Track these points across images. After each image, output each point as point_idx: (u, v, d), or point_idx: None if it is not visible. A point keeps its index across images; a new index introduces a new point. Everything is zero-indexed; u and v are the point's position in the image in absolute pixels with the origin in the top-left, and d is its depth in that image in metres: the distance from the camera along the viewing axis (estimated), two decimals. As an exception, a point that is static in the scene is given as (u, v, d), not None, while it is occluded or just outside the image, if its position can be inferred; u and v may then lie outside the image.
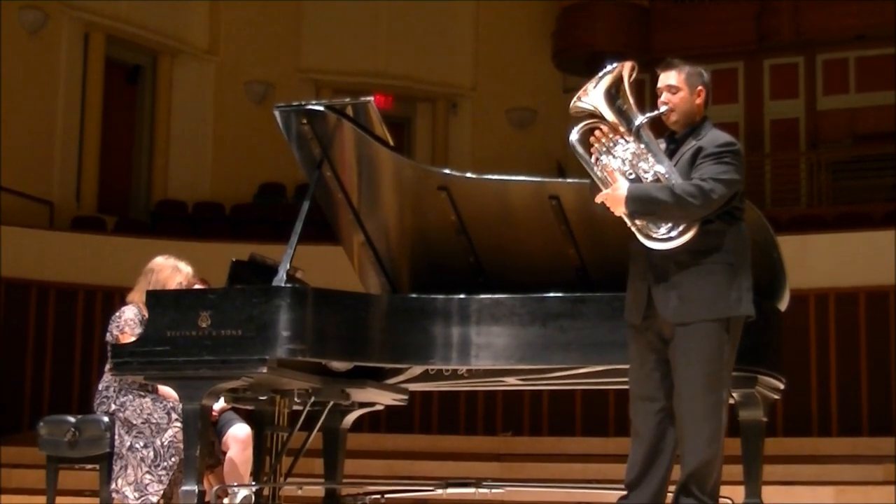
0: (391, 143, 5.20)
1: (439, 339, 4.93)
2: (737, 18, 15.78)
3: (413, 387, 5.54)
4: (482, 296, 4.97)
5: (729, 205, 4.32)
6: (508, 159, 14.84)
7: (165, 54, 14.71)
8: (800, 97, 15.97)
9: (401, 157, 5.30)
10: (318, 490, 5.91)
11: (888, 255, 11.21)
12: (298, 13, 15.60)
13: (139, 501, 5.37)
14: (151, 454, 5.41)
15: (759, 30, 15.76)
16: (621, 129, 4.32)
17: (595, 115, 4.33)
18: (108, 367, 5.45)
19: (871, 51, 15.56)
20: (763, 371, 4.89)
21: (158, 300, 4.99)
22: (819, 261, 11.52)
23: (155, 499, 5.36)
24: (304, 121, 5.14)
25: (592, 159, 4.35)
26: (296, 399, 5.32)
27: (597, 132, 4.33)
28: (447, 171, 5.26)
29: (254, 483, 5.39)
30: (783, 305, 5.15)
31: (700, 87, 4.44)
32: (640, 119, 4.33)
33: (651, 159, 4.31)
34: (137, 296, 5.65)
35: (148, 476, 5.39)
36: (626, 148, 4.32)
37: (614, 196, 4.28)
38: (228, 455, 5.65)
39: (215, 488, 5.31)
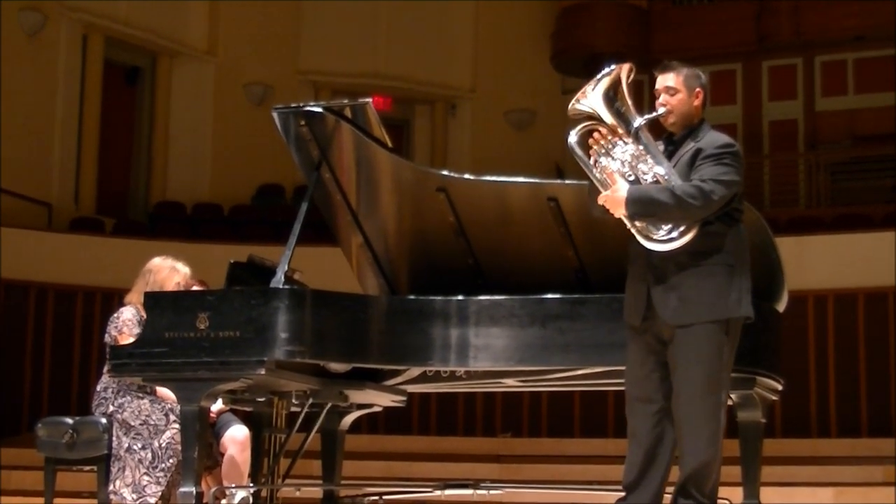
0: (389, 144, 5.19)
1: (438, 341, 4.92)
2: (736, 19, 15.78)
3: (411, 388, 5.54)
4: (481, 297, 4.97)
5: (728, 206, 4.32)
6: (507, 161, 14.84)
7: (164, 55, 14.71)
8: (798, 98, 15.97)
9: (399, 158, 5.30)
10: (316, 491, 5.91)
11: (887, 256, 11.22)
12: (297, 14, 15.60)
13: (137, 503, 5.36)
14: (149, 455, 5.41)
15: (758, 31, 15.76)
16: (620, 130, 4.32)
17: (594, 117, 4.33)
18: (106, 368, 5.45)
19: (869, 52, 15.56)
20: (762, 372, 4.89)
21: (157, 301, 4.98)
22: (818, 262, 11.52)
23: (153, 500, 5.35)
24: (303, 122, 5.13)
25: (591, 161, 4.35)
26: (294, 400, 5.32)
27: (595, 134, 4.33)
28: (446, 172, 5.25)
29: (252, 484, 5.39)
30: (782, 307, 5.15)
31: (698, 89, 4.44)
32: (638, 121, 4.32)
33: (650, 161, 4.31)
34: (136, 297, 5.64)
35: (146, 477, 5.38)
36: (625, 150, 4.32)
37: (614, 198, 4.28)
38: (226, 456, 5.65)
39: (213, 490, 5.30)
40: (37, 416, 9.24)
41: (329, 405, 5.42)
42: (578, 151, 4.36)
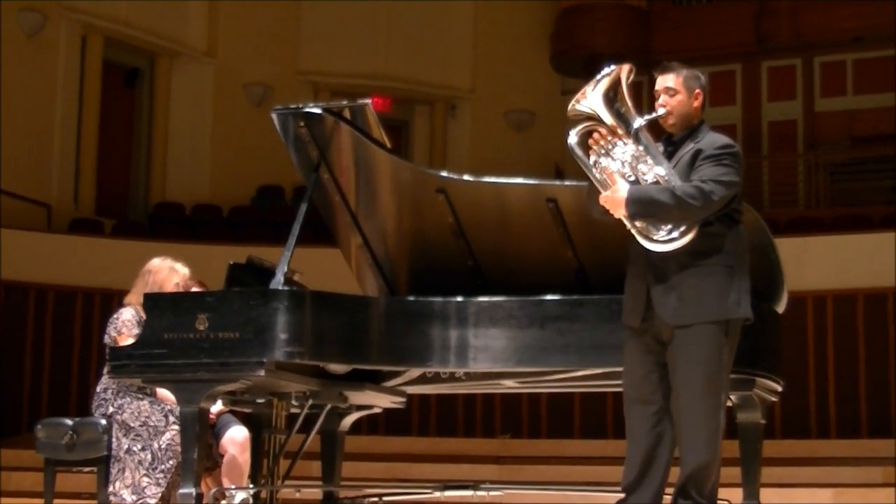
0: (389, 145, 5.19)
1: (437, 342, 4.92)
2: (735, 20, 15.80)
3: (411, 389, 5.54)
4: (480, 298, 4.97)
5: (728, 207, 4.33)
6: (507, 161, 14.85)
7: (164, 56, 14.71)
8: (798, 99, 15.98)
9: (398, 159, 5.30)
10: (315, 493, 5.91)
11: (887, 257, 11.22)
12: (297, 15, 15.60)
13: (137, 504, 5.37)
14: (149, 457, 5.41)
15: (757, 31, 15.77)
16: (620, 131, 4.31)
17: (593, 117, 4.33)
18: (106, 369, 5.44)
19: (869, 53, 15.57)
20: (761, 373, 4.89)
21: (156, 303, 4.98)
22: (817, 263, 11.52)
23: (152, 501, 5.35)
24: (302, 123, 5.13)
25: (591, 161, 4.35)
26: (293, 402, 5.32)
27: (595, 135, 4.32)
28: (445, 173, 5.24)
29: (251, 485, 5.39)
30: (781, 307, 5.15)
31: (697, 90, 4.44)
32: (638, 121, 4.32)
33: (650, 161, 4.31)
34: (135, 297, 5.64)
35: (145, 479, 5.38)
36: (624, 150, 4.32)
37: (614, 198, 4.27)
38: (226, 458, 5.65)
39: (213, 491, 5.30)
40: (36, 417, 9.23)
41: (329, 406, 5.42)
42: (578, 152, 4.36)
